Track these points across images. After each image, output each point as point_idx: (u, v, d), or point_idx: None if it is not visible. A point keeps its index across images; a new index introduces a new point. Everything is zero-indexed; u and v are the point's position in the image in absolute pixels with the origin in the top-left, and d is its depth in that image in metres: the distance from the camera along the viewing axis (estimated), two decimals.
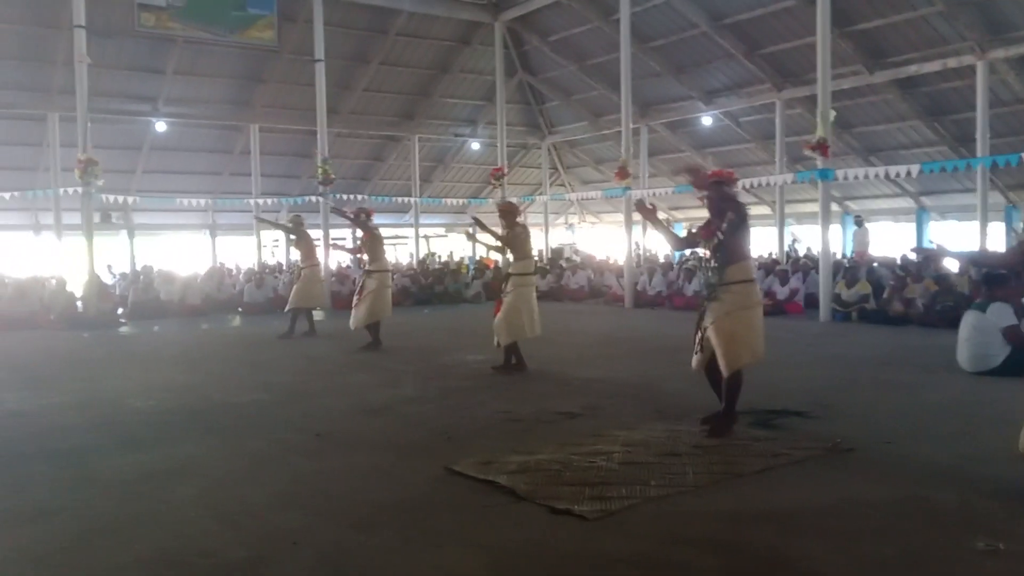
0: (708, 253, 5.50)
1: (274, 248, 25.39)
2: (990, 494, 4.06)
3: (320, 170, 16.47)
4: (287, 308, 11.48)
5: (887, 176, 16.50)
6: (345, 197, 19.99)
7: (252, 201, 19.36)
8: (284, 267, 20.49)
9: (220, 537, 3.74)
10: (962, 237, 18.04)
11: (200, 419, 6.28)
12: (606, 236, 30.21)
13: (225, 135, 21.23)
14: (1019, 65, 14.15)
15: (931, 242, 16.52)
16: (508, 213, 8.28)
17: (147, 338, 12.59)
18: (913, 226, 19.87)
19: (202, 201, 19.98)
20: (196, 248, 24.23)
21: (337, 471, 4.80)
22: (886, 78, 15.50)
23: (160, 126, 19.50)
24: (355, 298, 10.20)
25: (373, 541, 3.65)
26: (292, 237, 12.15)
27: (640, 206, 5.83)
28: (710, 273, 5.46)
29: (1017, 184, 17.61)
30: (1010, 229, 18.13)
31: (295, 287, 11.37)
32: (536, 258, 10.25)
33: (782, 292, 13.69)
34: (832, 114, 11.83)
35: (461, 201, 22.85)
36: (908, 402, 6.45)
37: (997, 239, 16.18)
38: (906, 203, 20.27)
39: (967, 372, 7.48)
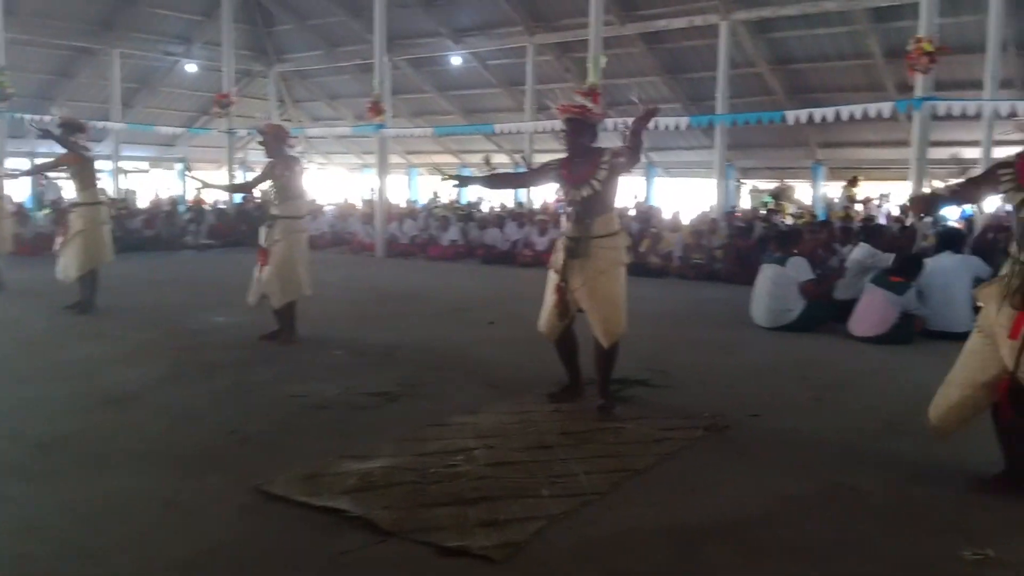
0: (568, 200, 4.62)
1: None
2: (914, 480, 3.65)
3: None
4: None
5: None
6: (26, 117, 16.26)
7: None
8: None
9: None
10: (688, 193, 19.18)
11: None
12: (335, 179, 28.47)
13: None
14: (755, 29, 14.93)
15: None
16: (276, 138, 6.42)
17: None
18: (643, 180, 20.73)
19: None
20: None
21: (86, 505, 3.22)
22: (636, 30, 15.62)
23: None
24: (57, 241, 8.04)
25: None
26: None
27: (644, 115, 4.19)
28: (573, 225, 4.58)
29: (734, 144, 18.90)
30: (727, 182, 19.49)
31: None
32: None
33: (542, 243, 13.31)
34: (603, 60, 11.47)
35: (174, 130, 19.76)
36: (733, 364, 6.12)
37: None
38: None
39: (763, 327, 7.44)
